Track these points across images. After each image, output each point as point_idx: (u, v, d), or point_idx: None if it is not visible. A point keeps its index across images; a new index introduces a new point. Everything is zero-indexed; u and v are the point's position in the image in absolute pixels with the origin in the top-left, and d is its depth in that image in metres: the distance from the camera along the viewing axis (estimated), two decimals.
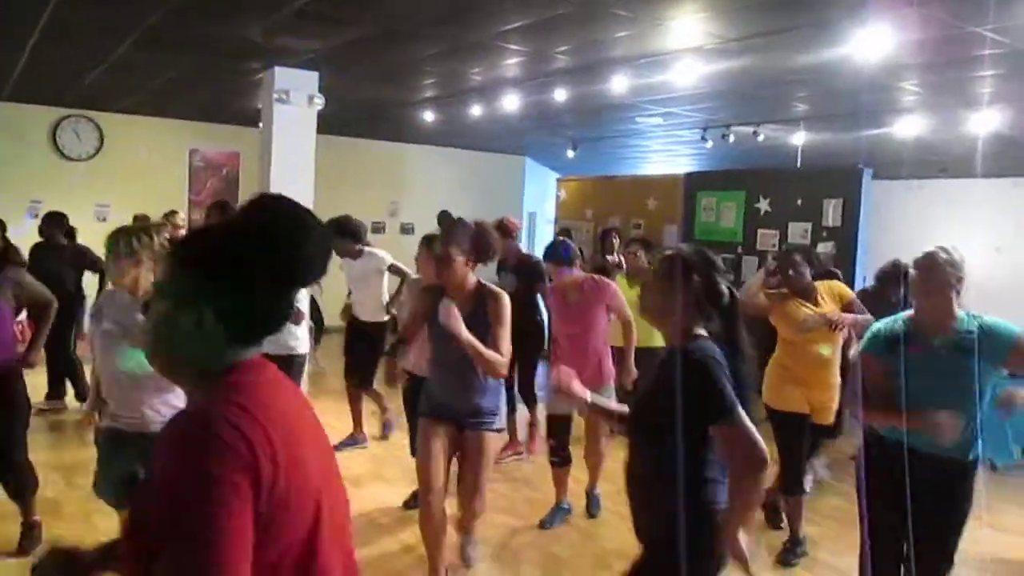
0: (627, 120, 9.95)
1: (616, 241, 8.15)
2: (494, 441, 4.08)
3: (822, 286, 4.83)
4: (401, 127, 11.36)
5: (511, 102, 8.49)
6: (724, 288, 2.58)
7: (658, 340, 2.90)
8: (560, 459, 5.25)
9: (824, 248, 8.35)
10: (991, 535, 5.22)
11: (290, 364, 5.23)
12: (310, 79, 7.66)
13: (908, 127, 8.48)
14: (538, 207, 15.90)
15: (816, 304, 4.74)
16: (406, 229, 13.74)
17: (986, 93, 7.21)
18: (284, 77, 7.57)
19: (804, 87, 7.51)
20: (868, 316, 4.49)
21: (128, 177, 11.50)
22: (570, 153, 12.38)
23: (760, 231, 9.38)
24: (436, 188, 13.76)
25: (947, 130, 8.63)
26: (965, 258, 3.29)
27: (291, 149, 7.62)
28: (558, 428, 5.19)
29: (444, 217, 10.02)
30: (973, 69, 6.37)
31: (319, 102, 7.70)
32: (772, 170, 9.97)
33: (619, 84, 7.13)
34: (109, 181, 11.39)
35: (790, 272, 4.81)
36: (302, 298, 5.65)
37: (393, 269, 6.34)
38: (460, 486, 4.15)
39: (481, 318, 3.83)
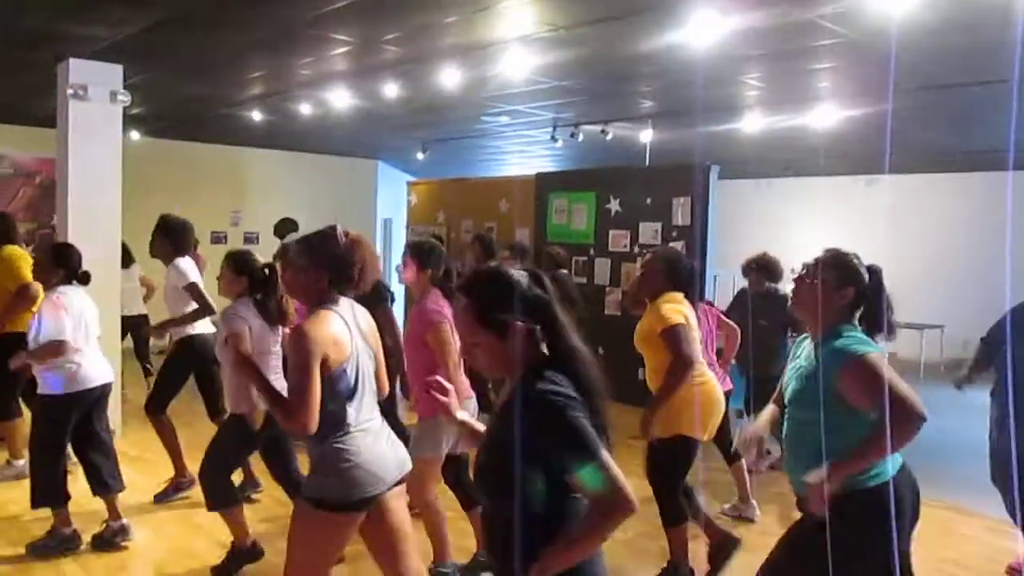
0: (473, 119, 9.56)
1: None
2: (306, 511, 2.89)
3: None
4: (236, 130, 10.58)
5: (342, 98, 7.93)
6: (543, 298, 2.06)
7: None
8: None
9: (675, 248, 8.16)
10: None
11: None
12: (112, 73, 6.84)
13: (753, 123, 8.43)
14: (394, 213, 15.32)
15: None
16: (250, 239, 12.91)
17: (825, 87, 7.18)
18: (81, 70, 6.73)
19: (647, 82, 7.29)
20: None
21: None
22: (420, 155, 11.90)
23: (612, 232, 9.13)
24: (283, 195, 12.97)
25: (791, 127, 8.64)
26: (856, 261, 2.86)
27: (93, 152, 6.77)
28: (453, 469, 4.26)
29: (283, 224, 9.29)
30: (812, 60, 6.26)
31: (124, 99, 6.89)
32: (621, 169, 9.75)
33: (452, 77, 6.69)
34: None
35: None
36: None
37: (191, 290, 5.39)
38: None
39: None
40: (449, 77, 6.65)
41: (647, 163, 10.04)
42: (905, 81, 6.58)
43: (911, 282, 11.69)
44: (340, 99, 7.97)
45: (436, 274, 4.14)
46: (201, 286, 5.50)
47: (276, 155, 13.17)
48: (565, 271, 8.27)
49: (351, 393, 2.84)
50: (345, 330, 2.87)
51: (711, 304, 5.87)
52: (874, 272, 2.82)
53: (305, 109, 8.70)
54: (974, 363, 4.64)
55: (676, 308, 4.09)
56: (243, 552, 4.31)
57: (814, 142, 8.94)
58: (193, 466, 4.80)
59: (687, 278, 4.26)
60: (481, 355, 2.04)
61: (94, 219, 6.73)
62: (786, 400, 2.88)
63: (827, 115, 7.90)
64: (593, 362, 2.02)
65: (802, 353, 2.90)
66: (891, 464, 2.60)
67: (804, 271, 2.87)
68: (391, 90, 7.46)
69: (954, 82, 6.55)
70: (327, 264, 2.93)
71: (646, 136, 9.26)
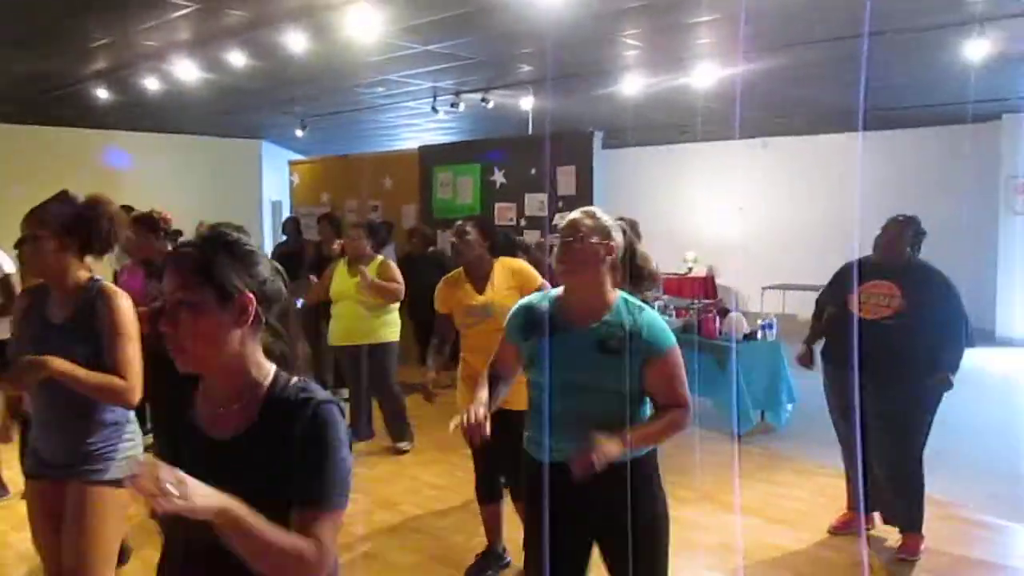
0: (347, 91, 8.99)
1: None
2: (107, 497, 2.83)
3: (499, 264, 4.06)
4: (89, 111, 9.74)
5: (190, 71, 7.27)
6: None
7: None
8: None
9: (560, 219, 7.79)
10: (727, 518, 4.78)
11: None
12: None
13: (633, 86, 8.08)
14: (283, 195, 14.61)
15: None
16: None
17: (706, 44, 6.87)
18: None
19: (524, 43, 6.84)
20: None
21: None
22: (299, 132, 11.26)
23: (498, 205, 8.73)
24: (156, 180, 12.10)
25: (678, 90, 8.33)
26: (620, 226, 2.59)
27: None
28: None
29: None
30: (689, 14, 5.91)
31: None
32: (503, 140, 9.33)
33: (298, 43, 6.14)
34: None
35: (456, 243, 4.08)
36: None
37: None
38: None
39: (86, 327, 2.77)
40: (296, 42, 6.08)
41: (530, 131, 9.64)
42: (796, 35, 6.32)
43: (808, 243, 11.70)
44: (188, 71, 7.31)
45: None
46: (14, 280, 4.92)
47: (147, 137, 12.27)
48: (436, 247, 7.94)
49: None
50: None
51: None
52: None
53: (156, 84, 7.99)
54: (811, 329, 4.69)
55: None
56: None
57: (700, 104, 8.66)
58: None
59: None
60: (193, 328, 1.53)
61: None
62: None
63: (712, 74, 7.60)
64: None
65: None
66: None
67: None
68: (238, 59, 6.85)
69: (848, 34, 6.28)
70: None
71: (527, 103, 8.84)
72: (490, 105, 8.76)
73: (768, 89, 8.38)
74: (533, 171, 8.42)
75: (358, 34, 6.02)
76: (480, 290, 4.00)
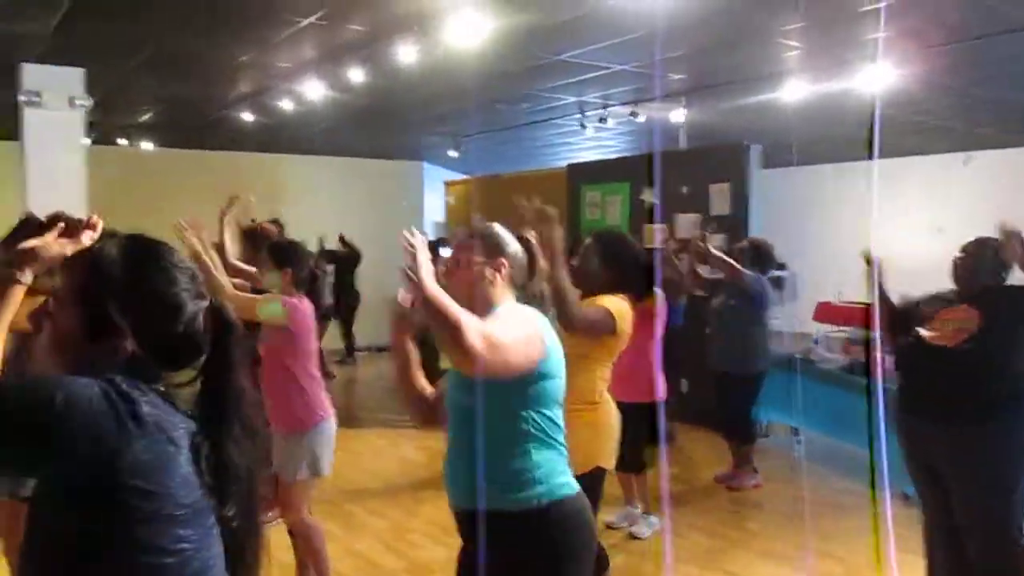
0: (492, 110, 8.73)
1: None
2: None
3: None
4: (237, 136, 10.02)
5: (338, 90, 7.20)
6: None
7: None
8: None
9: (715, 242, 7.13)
10: None
11: None
12: (71, 77, 6.34)
13: (794, 93, 7.25)
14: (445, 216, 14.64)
15: None
16: None
17: (879, 38, 6.01)
18: (36, 75, 6.26)
19: (673, 46, 6.26)
20: None
21: None
22: (453, 153, 11.15)
23: (647, 226, 8.13)
24: (319, 201, 12.38)
25: (846, 96, 7.43)
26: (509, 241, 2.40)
27: (52, 162, 6.25)
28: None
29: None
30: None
31: (84, 103, 6.38)
32: (652, 155, 8.71)
33: (434, 60, 5.91)
34: None
35: None
36: None
37: None
38: None
39: None
40: (432, 59, 5.86)
41: (680, 146, 8.95)
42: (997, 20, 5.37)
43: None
44: (336, 91, 7.26)
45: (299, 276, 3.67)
46: None
47: (307, 160, 12.54)
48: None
49: None
50: None
51: None
52: None
53: (310, 105, 7.99)
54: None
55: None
56: None
57: (877, 113, 7.69)
58: None
59: None
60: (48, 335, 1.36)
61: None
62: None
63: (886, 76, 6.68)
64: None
65: None
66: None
67: None
68: (381, 80, 6.72)
69: None
70: None
71: (678, 116, 8.20)
72: (640, 119, 8.20)
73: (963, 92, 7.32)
74: (685, 189, 7.76)
75: (496, 47, 5.70)
76: None
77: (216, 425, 1.33)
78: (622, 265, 3.60)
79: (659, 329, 4.30)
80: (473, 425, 2.14)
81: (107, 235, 1.39)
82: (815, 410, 5.87)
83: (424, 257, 1.96)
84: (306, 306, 3.65)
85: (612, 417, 3.38)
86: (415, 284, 1.93)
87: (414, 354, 2.43)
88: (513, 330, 2.13)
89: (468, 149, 11.18)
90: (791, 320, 7.33)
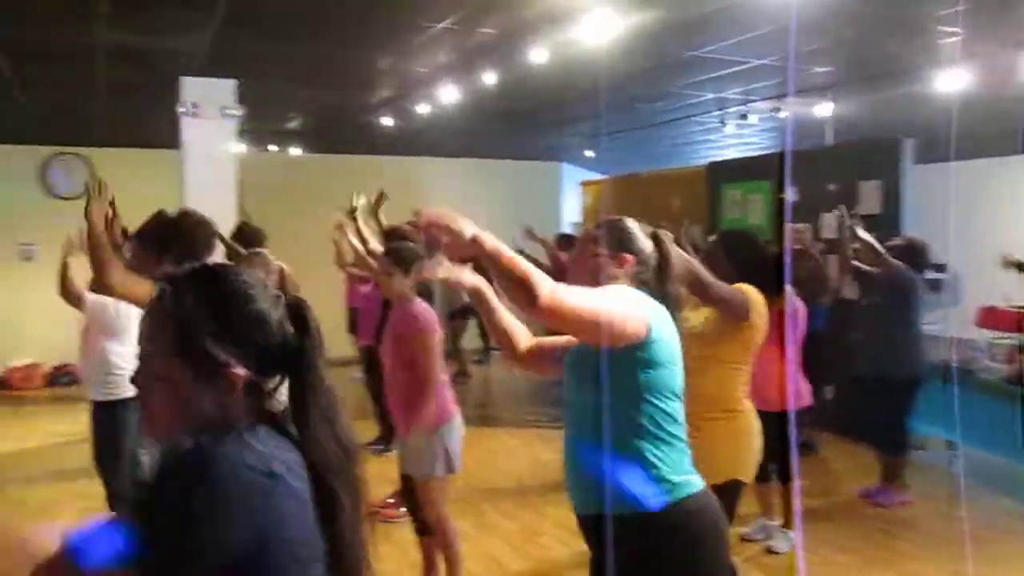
0: (627, 107, 8.59)
1: None
2: None
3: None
4: (376, 138, 10.27)
5: (474, 93, 7.27)
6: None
7: None
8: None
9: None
10: None
11: None
12: (223, 88, 6.71)
13: (953, 84, 6.75)
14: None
15: None
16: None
17: None
18: (193, 88, 6.65)
19: (819, 38, 5.97)
20: None
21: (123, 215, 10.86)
22: (588, 153, 11.07)
23: (789, 224, 7.79)
24: (456, 204, 12.51)
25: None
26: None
27: (206, 169, 6.64)
28: None
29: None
30: None
31: (235, 113, 6.73)
32: (797, 152, 8.32)
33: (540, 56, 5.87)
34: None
35: None
36: None
37: None
38: None
39: None
40: (539, 55, 5.83)
41: (825, 142, 8.51)
42: None
43: None
44: (473, 94, 7.33)
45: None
46: None
47: (444, 163, 12.75)
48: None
49: None
50: None
51: None
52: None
53: (447, 109, 8.12)
54: None
55: None
56: None
57: None
58: None
59: None
60: (161, 398, 1.29)
61: None
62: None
63: None
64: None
65: None
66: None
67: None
68: (521, 82, 6.74)
69: None
70: None
71: (824, 110, 7.81)
72: (782, 115, 7.88)
73: None
74: (831, 187, 7.39)
75: (631, 45, 5.61)
76: None
77: (306, 427, 1.32)
78: (749, 263, 3.45)
79: (796, 332, 4.09)
80: (586, 425, 2.07)
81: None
82: (975, 423, 5.44)
83: (465, 221, 1.86)
84: (421, 309, 3.68)
85: (753, 427, 3.21)
86: (472, 245, 1.84)
87: (483, 285, 2.33)
88: (602, 298, 2.02)
89: (605, 149, 11.07)
90: (949, 325, 6.85)
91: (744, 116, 8.20)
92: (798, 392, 4.54)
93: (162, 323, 1.29)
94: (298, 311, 1.36)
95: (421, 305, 3.68)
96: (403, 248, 3.84)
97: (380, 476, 5.66)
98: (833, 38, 5.90)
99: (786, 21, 5.26)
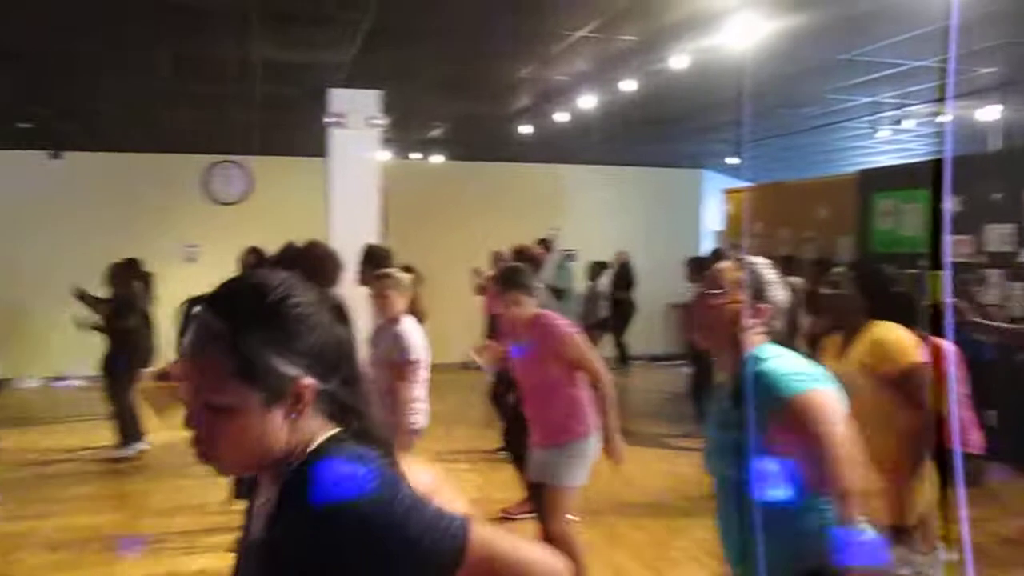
0: (772, 113, 8.30)
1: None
2: None
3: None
4: (513, 145, 10.33)
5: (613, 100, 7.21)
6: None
7: None
8: None
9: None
10: None
11: None
12: (369, 99, 6.93)
13: None
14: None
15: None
16: (570, 258, 12.66)
17: None
18: (340, 99, 6.91)
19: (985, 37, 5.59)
20: None
21: (276, 219, 11.41)
22: (730, 160, 10.78)
23: (950, 237, 7.30)
24: (594, 211, 12.56)
25: None
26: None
27: (351, 178, 6.89)
28: None
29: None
30: None
31: (379, 122, 6.93)
32: (958, 159, 7.79)
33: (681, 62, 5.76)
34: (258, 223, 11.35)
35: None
36: None
37: None
38: None
39: None
40: (679, 61, 5.71)
41: (989, 147, 7.93)
42: None
43: None
44: (611, 102, 7.29)
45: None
46: None
47: (583, 169, 12.67)
48: None
49: None
50: None
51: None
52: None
53: (586, 116, 8.09)
54: None
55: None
56: None
57: None
58: None
59: None
60: (228, 433, 1.16)
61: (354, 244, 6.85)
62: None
63: None
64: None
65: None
66: None
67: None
68: (663, 88, 6.64)
69: None
70: None
71: (989, 114, 7.28)
72: (939, 119, 7.41)
73: None
74: (997, 196, 6.89)
75: (777, 49, 5.44)
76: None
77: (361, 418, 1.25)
78: (883, 296, 3.26)
79: (953, 368, 3.82)
80: (743, 501, 1.95)
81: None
82: None
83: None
84: (551, 320, 3.67)
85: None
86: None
87: None
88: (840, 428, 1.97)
89: (749, 156, 10.76)
90: None
91: (898, 121, 7.75)
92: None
93: (214, 351, 1.15)
94: (339, 308, 1.28)
95: (550, 313, 3.70)
96: (515, 275, 3.81)
97: (500, 482, 5.71)
98: (1002, 36, 5.50)
99: (945, 20, 4.95)
